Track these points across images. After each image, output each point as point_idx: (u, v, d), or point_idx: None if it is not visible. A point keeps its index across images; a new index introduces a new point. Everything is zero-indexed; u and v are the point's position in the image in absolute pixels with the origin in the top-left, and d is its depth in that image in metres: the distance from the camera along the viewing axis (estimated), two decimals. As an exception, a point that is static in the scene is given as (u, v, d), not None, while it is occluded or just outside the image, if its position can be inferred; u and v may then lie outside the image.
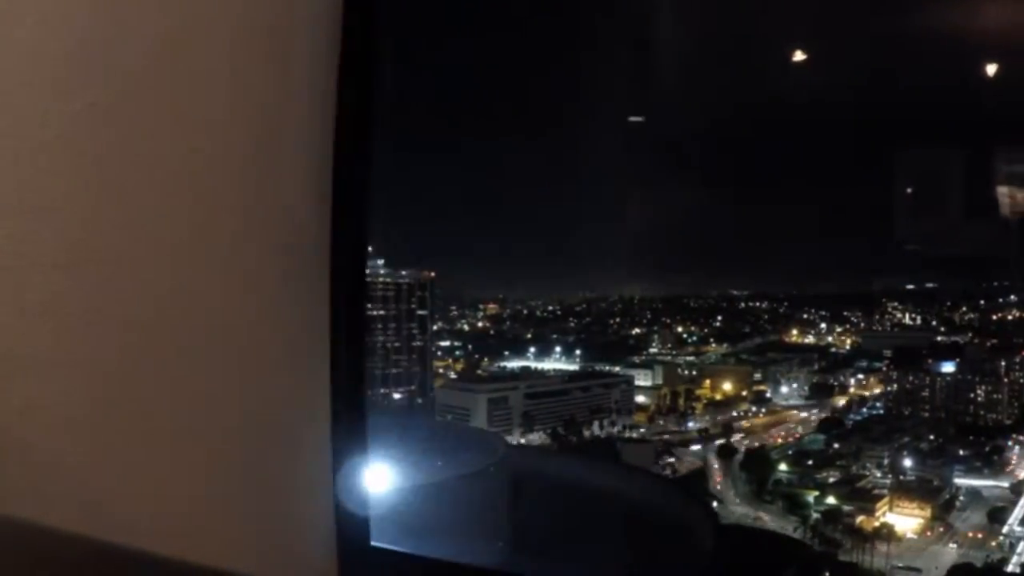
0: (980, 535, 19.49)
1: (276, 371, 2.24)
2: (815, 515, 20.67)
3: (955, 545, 19.34)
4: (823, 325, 25.38)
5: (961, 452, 21.05)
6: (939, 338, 23.32)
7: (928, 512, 19.90)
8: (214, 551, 2.08)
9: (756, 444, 23.49)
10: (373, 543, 2.35)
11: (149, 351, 2.06)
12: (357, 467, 2.28)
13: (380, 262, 23.47)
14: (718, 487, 22.57)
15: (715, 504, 21.81)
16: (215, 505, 2.13)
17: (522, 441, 22.22)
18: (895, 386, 23.38)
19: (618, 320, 26.33)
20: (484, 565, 2.55)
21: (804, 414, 24.18)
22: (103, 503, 2.01)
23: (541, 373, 25.20)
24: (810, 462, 22.18)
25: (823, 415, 23.88)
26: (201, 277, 2.12)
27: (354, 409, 2.34)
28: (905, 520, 19.92)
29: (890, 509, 20.17)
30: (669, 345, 25.67)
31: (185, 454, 2.10)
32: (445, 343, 25.37)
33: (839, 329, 25.22)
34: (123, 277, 2.05)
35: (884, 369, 23.79)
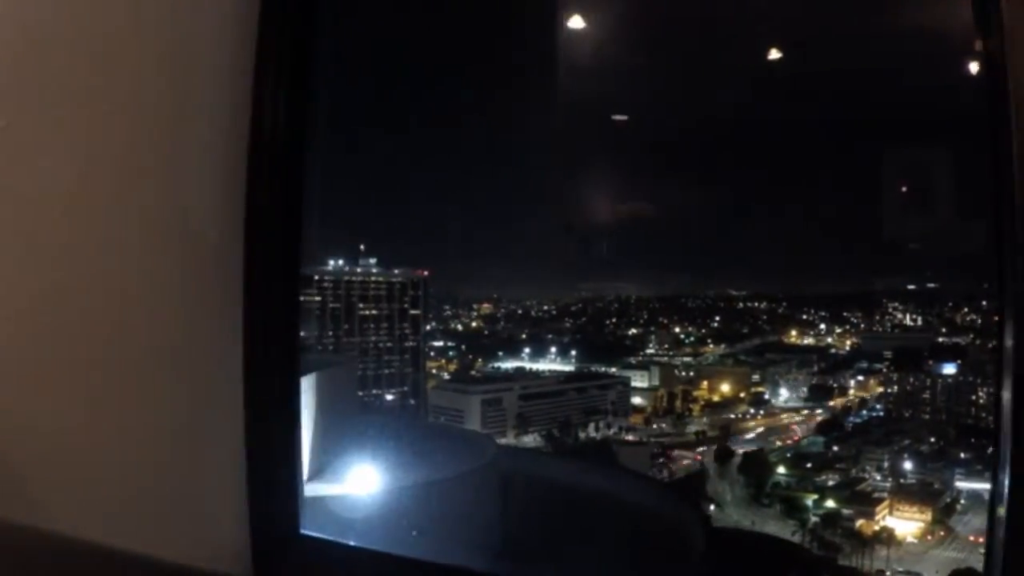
0: (982, 539, 19.38)
1: (188, 370, 2.35)
2: (814, 519, 20.57)
3: (956, 549, 19.23)
4: (822, 326, 25.27)
5: (962, 455, 20.93)
6: (940, 339, 23.21)
7: (929, 516, 19.81)
8: (130, 537, 2.20)
9: (754, 447, 23.39)
10: (304, 531, 2.45)
11: (61, 350, 2.19)
12: (276, 461, 2.38)
13: (372, 261, 23.40)
14: (715, 490, 22.45)
15: (712, 508, 21.73)
16: (131, 494, 2.23)
17: (513, 442, 22.11)
18: (895, 388, 23.29)
19: (614, 320, 26.21)
20: (422, 558, 2.51)
21: (803, 416, 24.07)
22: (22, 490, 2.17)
23: (536, 374, 25.08)
24: (809, 465, 22.10)
25: (822, 417, 23.76)
26: (113, 278, 2.24)
27: (271, 407, 2.43)
28: (905, 524, 19.84)
29: (890, 513, 20.08)
30: (666, 346, 25.56)
31: (100, 446, 2.23)
32: (438, 343, 25.25)
33: (839, 330, 25.11)
34: (32, 280, 2.18)
35: (884, 370, 23.69)
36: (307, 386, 9.01)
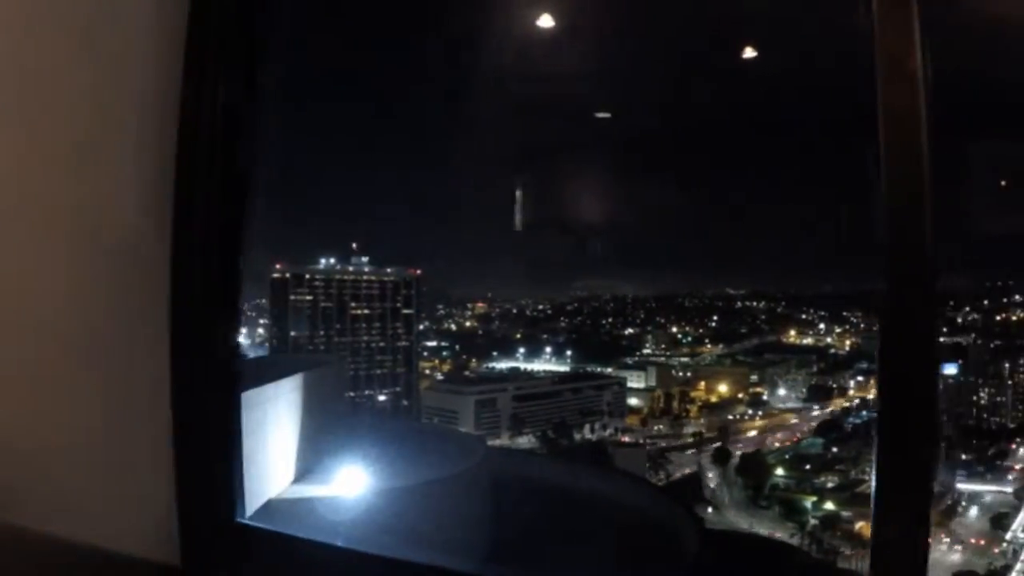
0: (983, 542, 19.38)
1: (114, 363, 2.41)
2: (813, 521, 20.55)
3: (957, 552, 19.21)
4: (822, 325, 25.23)
5: (963, 456, 20.94)
6: (941, 339, 23.15)
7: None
8: (58, 523, 2.28)
9: (752, 448, 23.34)
10: (240, 520, 2.55)
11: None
12: (208, 451, 2.44)
13: (364, 259, 23.33)
14: (713, 492, 22.41)
15: (710, 510, 21.69)
16: (60, 483, 2.34)
17: (507, 444, 22.05)
18: (896, 388, 23.23)
19: (611, 320, 26.15)
20: (363, 549, 2.55)
21: (802, 417, 24.02)
22: None
23: (531, 375, 25.01)
24: (808, 466, 22.06)
25: (822, 418, 23.72)
26: (44, 274, 2.32)
27: (202, 398, 2.47)
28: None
29: (890, 515, 20.01)
30: (663, 346, 25.51)
31: (25, 436, 2.33)
32: (432, 343, 25.18)
33: (838, 329, 25.08)
34: None
35: (884, 371, 23.62)
36: (293, 387, 8.91)
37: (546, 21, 13.03)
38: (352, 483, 7.24)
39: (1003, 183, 16.57)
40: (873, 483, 1.93)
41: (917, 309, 1.88)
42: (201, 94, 2.40)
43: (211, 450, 2.53)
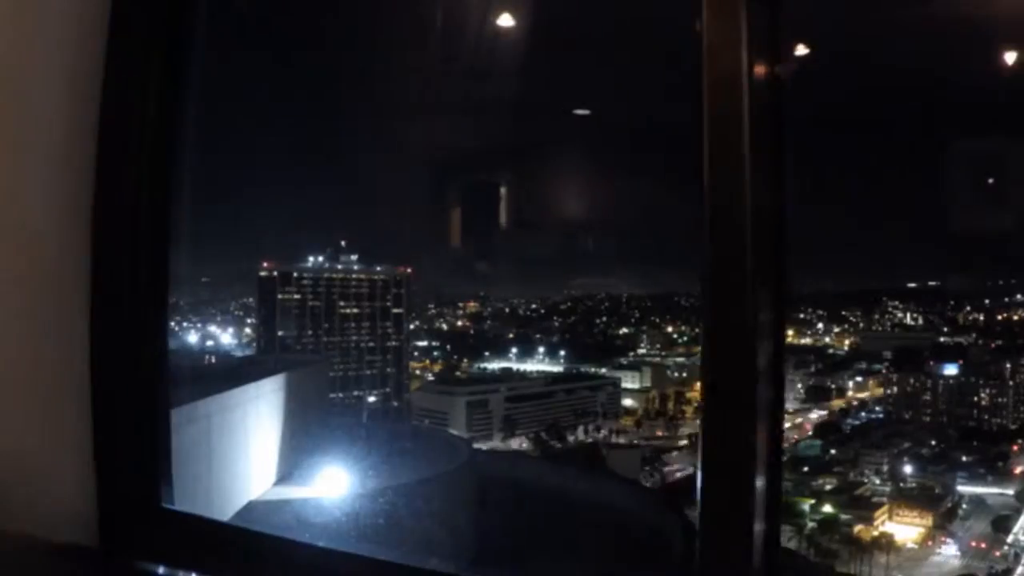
0: (984, 544, 19.38)
1: (32, 347, 2.45)
2: (811, 524, 20.51)
3: (958, 555, 19.22)
4: (820, 325, 25.23)
5: (964, 458, 20.93)
6: (942, 339, 23.20)
7: (929, 521, 19.79)
8: None
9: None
10: (166, 505, 2.56)
11: None
12: (130, 436, 2.49)
13: (353, 257, 23.25)
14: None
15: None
16: None
17: (500, 446, 22.02)
18: (895, 389, 23.28)
19: (605, 319, 26.11)
20: (295, 538, 2.52)
21: (800, 418, 24.01)
22: None
23: (523, 375, 24.97)
24: (806, 468, 22.03)
25: (820, 419, 23.71)
26: None
27: (123, 382, 2.51)
28: (905, 529, 19.81)
29: (889, 518, 20.05)
30: (658, 346, 25.49)
31: None
32: (422, 343, 25.11)
33: (837, 329, 25.09)
34: None
35: (884, 371, 23.68)
36: (275, 387, 8.87)
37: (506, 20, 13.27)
38: (334, 484, 7.21)
39: (990, 181, 16.59)
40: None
41: (736, 294, 2.06)
42: (124, 81, 2.37)
43: (134, 432, 2.56)
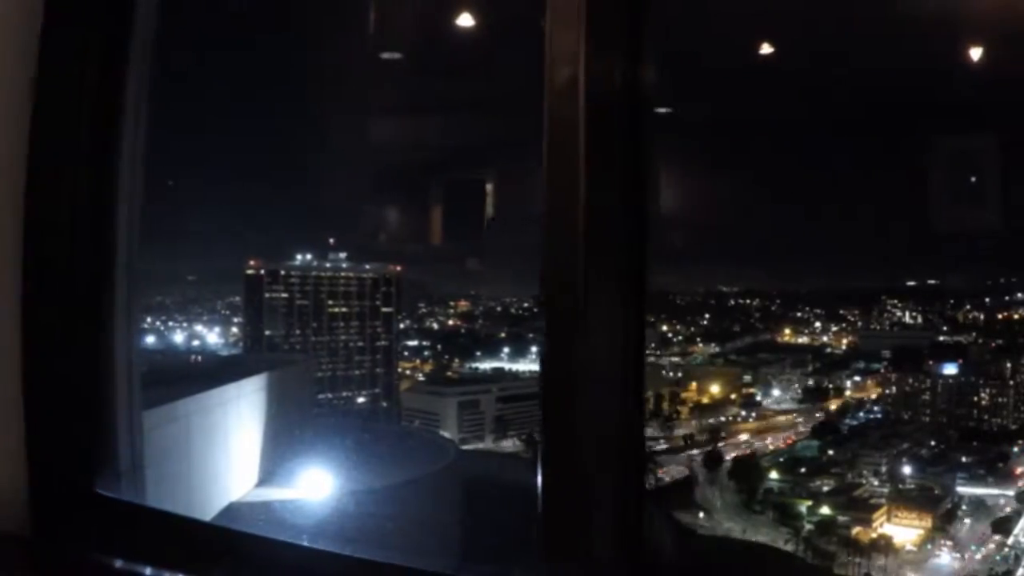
0: (984, 546, 19.38)
1: None
2: (808, 526, 20.50)
3: (958, 558, 19.21)
4: (818, 324, 25.19)
5: (964, 459, 20.92)
6: (941, 338, 23.19)
7: (928, 523, 19.78)
8: None
9: (745, 451, 23.27)
10: (101, 491, 2.55)
11: None
12: (63, 419, 2.47)
13: (342, 255, 23.14)
14: (705, 497, 22.34)
15: (702, 515, 21.64)
16: None
17: (491, 447, 21.95)
18: (894, 389, 23.26)
19: (599, 318, 25.98)
20: (238, 528, 2.54)
21: (797, 419, 23.98)
22: None
23: (516, 375, 24.86)
24: (803, 470, 22.02)
25: (817, 419, 23.68)
26: None
27: (55, 363, 2.49)
28: (904, 531, 19.79)
29: (888, 519, 20.02)
30: (653, 345, 25.37)
31: None
32: (413, 343, 25.01)
33: (835, 328, 25.05)
34: None
35: (882, 371, 23.66)
36: (257, 387, 8.75)
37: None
38: (317, 486, 7.11)
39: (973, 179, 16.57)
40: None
41: (570, 292, 2.18)
42: (59, 74, 2.31)
43: (68, 414, 2.54)
